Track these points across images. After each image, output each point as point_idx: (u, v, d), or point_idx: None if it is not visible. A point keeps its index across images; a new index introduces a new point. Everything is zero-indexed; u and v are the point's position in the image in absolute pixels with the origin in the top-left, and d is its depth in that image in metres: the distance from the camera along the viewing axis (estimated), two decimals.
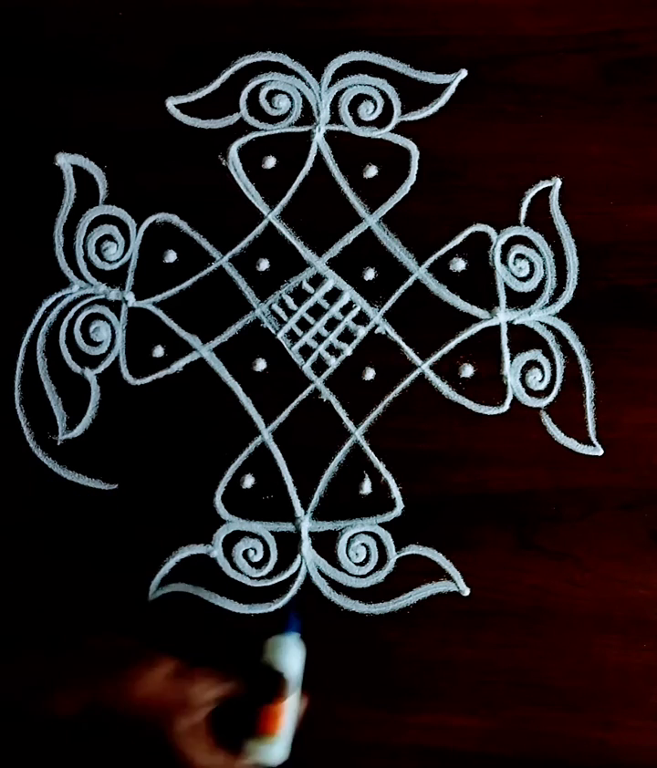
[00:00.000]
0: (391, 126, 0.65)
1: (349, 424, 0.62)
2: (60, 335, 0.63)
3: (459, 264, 0.63)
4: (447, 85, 0.65)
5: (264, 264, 0.63)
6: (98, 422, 0.62)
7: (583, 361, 0.62)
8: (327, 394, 0.62)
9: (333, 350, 0.63)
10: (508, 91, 0.64)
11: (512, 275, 0.63)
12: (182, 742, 0.51)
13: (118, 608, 0.60)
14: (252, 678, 0.54)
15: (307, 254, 0.64)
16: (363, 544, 0.60)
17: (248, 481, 0.61)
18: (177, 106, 0.65)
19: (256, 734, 0.53)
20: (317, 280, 0.63)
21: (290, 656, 0.55)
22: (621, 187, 0.63)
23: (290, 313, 0.63)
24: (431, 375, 0.62)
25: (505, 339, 0.62)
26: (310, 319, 0.63)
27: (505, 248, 0.63)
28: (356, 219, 0.64)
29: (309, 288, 0.63)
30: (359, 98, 0.65)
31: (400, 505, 0.61)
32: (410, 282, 0.63)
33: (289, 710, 0.53)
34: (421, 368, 0.62)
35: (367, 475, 0.61)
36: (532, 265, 0.63)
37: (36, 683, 0.51)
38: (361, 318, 0.63)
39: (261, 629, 0.56)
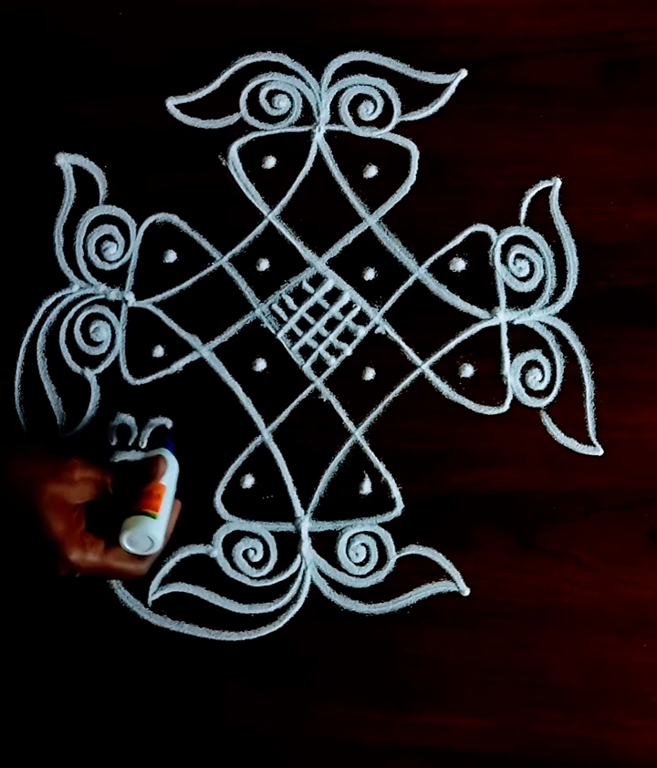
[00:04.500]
0: (391, 126, 0.65)
1: (349, 424, 0.62)
2: (60, 335, 0.63)
3: (459, 264, 0.63)
4: (447, 85, 0.65)
5: (264, 264, 0.63)
6: (98, 422, 0.62)
7: (583, 361, 0.62)
8: (327, 394, 0.62)
9: (333, 350, 0.63)
10: (508, 91, 0.64)
11: (512, 274, 0.63)
12: (51, 517, 0.50)
13: (118, 608, 0.60)
14: (126, 472, 0.54)
15: (307, 254, 0.64)
16: (363, 544, 0.60)
17: (248, 481, 0.61)
18: (177, 106, 0.65)
19: (135, 510, 0.52)
20: (317, 280, 0.64)
21: (165, 455, 0.56)
22: (621, 187, 0.63)
23: (290, 313, 0.63)
24: (431, 375, 0.62)
25: (505, 339, 0.62)
26: (310, 319, 0.63)
27: (505, 248, 0.63)
28: (356, 219, 0.64)
29: (309, 288, 0.63)
30: (359, 98, 0.65)
31: (400, 505, 0.61)
32: (410, 282, 0.63)
33: (168, 497, 0.53)
34: (421, 368, 0.62)
35: (367, 475, 0.61)
36: (532, 265, 0.63)
37: None
38: (361, 318, 0.63)
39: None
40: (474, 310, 0.62)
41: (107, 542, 0.52)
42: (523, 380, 0.62)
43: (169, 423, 0.62)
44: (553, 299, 0.63)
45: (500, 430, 0.61)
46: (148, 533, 0.51)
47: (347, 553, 0.60)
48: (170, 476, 0.55)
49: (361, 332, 0.63)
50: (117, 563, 0.51)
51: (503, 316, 0.62)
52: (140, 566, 0.53)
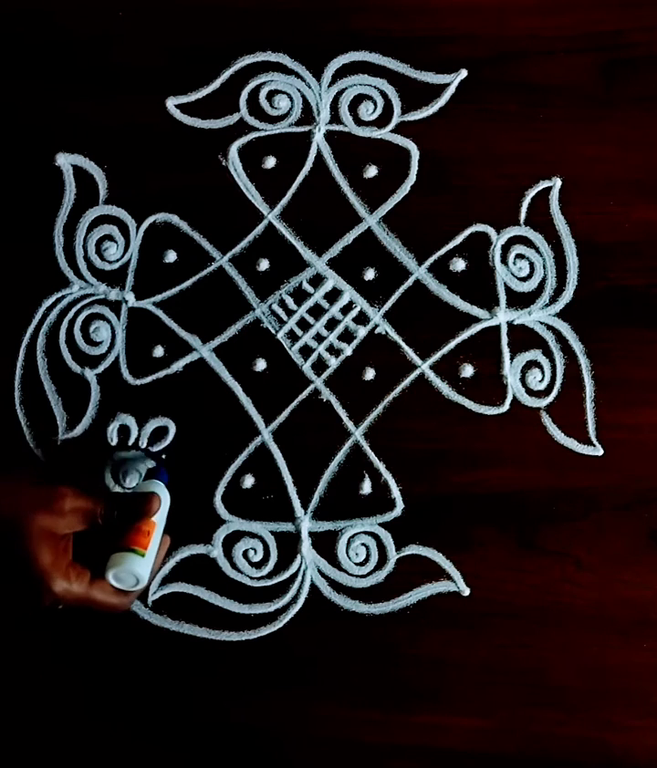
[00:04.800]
0: (391, 126, 0.65)
1: (349, 424, 0.62)
2: (60, 335, 0.63)
3: (459, 264, 0.63)
4: (447, 85, 0.65)
5: (264, 264, 0.63)
6: (98, 422, 0.62)
7: (583, 361, 0.62)
8: (327, 394, 0.62)
9: (333, 350, 0.63)
10: (508, 91, 0.64)
11: (512, 275, 0.63)
12: (38, 549, 0.49)
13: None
14: (118, 504, 0.53)
15: (307, 254, 0.64)
16: (363, 544, 0.60)
17: (248, 481, 0.61)
18: (177, 106, 0.65)
19: (122, 547, 0.51)
20: (317, 280, 0.64)
21: (158, 489, 0.55)
22: (621, 187, 0.63)
23: (290, 313, 0.63)
24: (431, 375, 0.62)
25: (505, 339, 0.62)
26: (310, 319, 0.63)
27: (505, 248, 0.63)
28: (356, 219, 0.64)
29: (309, 288, 0.63)
30: (359, 98, 0.65)
31: (400, 505, 0.61)
32: (410, 282, 0.63)
33: (157, 534, 0.53)
34: (421, 368, 0.62)
35: (367, 475, 0.61)
36: (532, 265, 0.63)
37: None
38: (361, 318, 0.63)
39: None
40: (474, 310, 0.62)
41: (93, 573, 0.51)
42: (523, 380, 0.62)
43: (171, 425, 0.62)
44: (553, 299, 0.63)
45: (500, 430, 0.61)
46: (134, 571, 0.51)
47: (347, 553, 0.60)
48: (160, 512, 0.54)
49: (361, 332, 0.63)
50: (101, 596, 0.51)
51: (503, 316, 0.62)
52: (123, 600, 0.52)
